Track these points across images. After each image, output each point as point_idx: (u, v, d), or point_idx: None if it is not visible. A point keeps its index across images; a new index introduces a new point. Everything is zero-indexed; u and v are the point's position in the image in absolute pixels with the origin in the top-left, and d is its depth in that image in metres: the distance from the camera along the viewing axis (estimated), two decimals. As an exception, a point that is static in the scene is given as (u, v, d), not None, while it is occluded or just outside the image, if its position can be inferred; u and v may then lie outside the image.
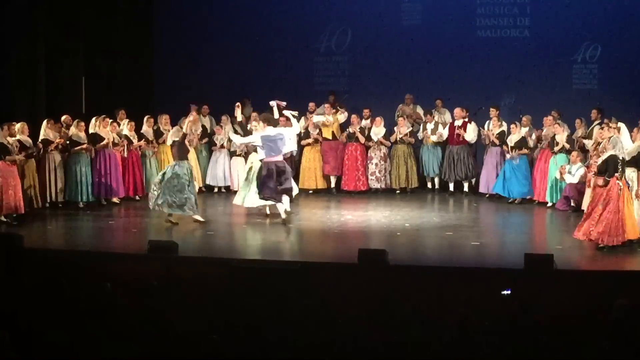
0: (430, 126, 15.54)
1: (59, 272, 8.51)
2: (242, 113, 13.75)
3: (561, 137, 13.83)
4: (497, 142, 14.69)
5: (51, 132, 13.38)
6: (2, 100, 14.48)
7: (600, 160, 10.53)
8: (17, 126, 12.51)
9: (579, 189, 13.17)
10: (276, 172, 12.17)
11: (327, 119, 15.53)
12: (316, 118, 15.61)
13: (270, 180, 12.14)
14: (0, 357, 5.49)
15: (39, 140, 13.18)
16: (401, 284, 8.81)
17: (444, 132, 15.44)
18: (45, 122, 13.40)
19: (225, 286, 8.66)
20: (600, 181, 10.29)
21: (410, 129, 15.69)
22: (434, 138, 15.47)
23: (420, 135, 15.72)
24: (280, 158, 12.32)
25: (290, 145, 12.95)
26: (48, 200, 13.38)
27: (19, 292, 7.44)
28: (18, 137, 12.46)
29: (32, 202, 12.92)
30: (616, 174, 10.25)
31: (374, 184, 15.57)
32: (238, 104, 13.62)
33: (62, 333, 6.15)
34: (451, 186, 15.55)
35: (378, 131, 15.50)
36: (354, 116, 15.66)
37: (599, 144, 11.45)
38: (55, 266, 9.23)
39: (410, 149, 15.66)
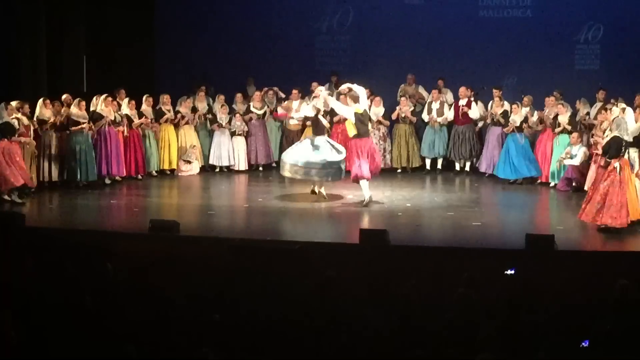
0: (435, 106, 15.46)
1: (61, 250, 8.52)
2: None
3: (564, 117, 13.79)
4: (502, 121, 14.57)
5: (47, 111, 13.31)
6: (4, 80, 14.44)
7: (604, 141, 10.49)
8: (14, 104, 12.41)
9: (581, 169, 13.15)
10: None
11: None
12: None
13: None
14: (1, 336, 5.50)
15: (34, 119, 13.10)
16: (402, 264, 8.82)
17: (449, 114, 15.41)
18: (40, 101, 13.32)
19: (226, 265, 8.67)
20: (603, 162, 10.28)
21: (413, 108, 15.66)
22: (440, 119, 15.42)
23: (426, 117, 15.64)
24: None
25: None
26: (46, 180, 13.35)
27: (21, 271, 7.44)
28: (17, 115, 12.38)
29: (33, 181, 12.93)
30: (620, 155, 10.23)
31: (373, 164, 15.53)
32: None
33: (62, 312, 6.15)
34: (457, 165, 15.54)
35: (377, 111, 15.43)
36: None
37: (601, 123, 11.45)
38: (56, 245, 9.22)
39: (412, 129, 15.64)
